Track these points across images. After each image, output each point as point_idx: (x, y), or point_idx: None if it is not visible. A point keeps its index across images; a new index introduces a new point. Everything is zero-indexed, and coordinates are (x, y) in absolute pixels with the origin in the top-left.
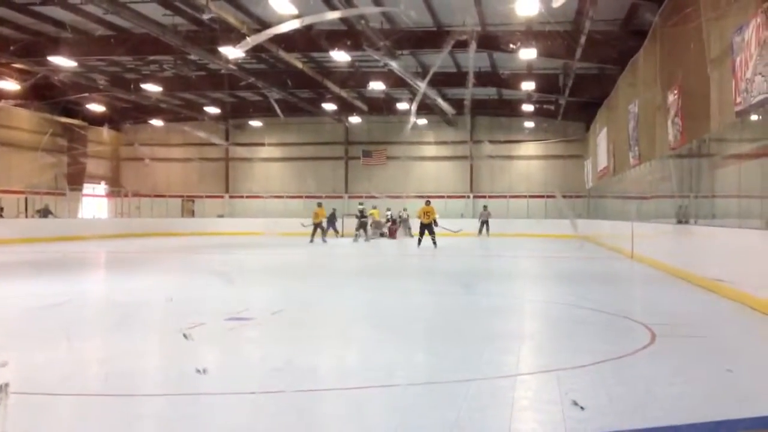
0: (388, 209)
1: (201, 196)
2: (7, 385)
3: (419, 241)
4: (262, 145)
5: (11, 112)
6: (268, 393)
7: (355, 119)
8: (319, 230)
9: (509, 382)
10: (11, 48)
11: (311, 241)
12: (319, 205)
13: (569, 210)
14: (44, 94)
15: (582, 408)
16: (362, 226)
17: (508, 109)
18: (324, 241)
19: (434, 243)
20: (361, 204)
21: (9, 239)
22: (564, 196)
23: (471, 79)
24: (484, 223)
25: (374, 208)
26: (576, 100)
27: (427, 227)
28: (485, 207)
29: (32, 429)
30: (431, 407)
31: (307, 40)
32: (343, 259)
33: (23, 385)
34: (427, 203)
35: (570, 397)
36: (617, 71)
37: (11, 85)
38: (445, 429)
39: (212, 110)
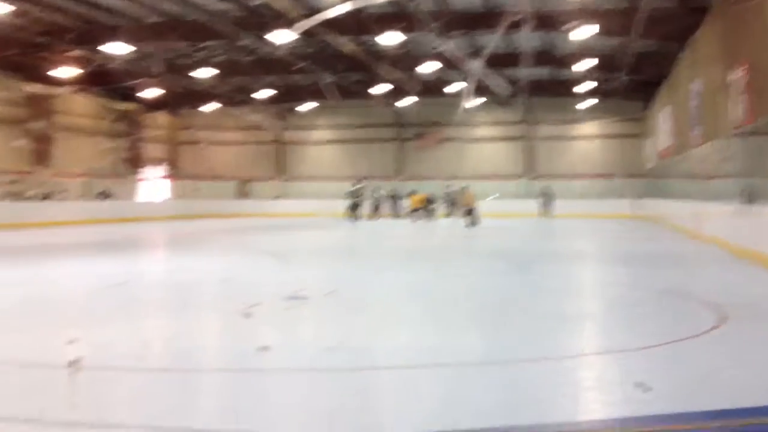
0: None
1: (256, 178)
2: (79, 359)
3: (470, 222)
4: (314, 128)
5: (71, 98)
6: (325, 370)
7: (406, 101)
8: (419, 212)
9: (573, 363)
10: (67, 36)
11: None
12: (414, 192)
13: (629, 190)
14: (101, 80)
15: (647, 389)
16: (356, 206)
17: (563, 88)
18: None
19: (474, 223)
20: (353, 185)
21: (71, 221)
22: (623, 176)
23: (526, 60)
24: (546, 203)
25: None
26: (633, 79)
27: (472, 210)
28: (546, 187)
29: (100, 402)
30: (493, 387)
31: (358, 23)
32: (394, 240)
33: (91, 360)
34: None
35: (635, 379)
36: (677, 49)
37: (70, 72)
38: (507, 409)
39: (264, 94)
